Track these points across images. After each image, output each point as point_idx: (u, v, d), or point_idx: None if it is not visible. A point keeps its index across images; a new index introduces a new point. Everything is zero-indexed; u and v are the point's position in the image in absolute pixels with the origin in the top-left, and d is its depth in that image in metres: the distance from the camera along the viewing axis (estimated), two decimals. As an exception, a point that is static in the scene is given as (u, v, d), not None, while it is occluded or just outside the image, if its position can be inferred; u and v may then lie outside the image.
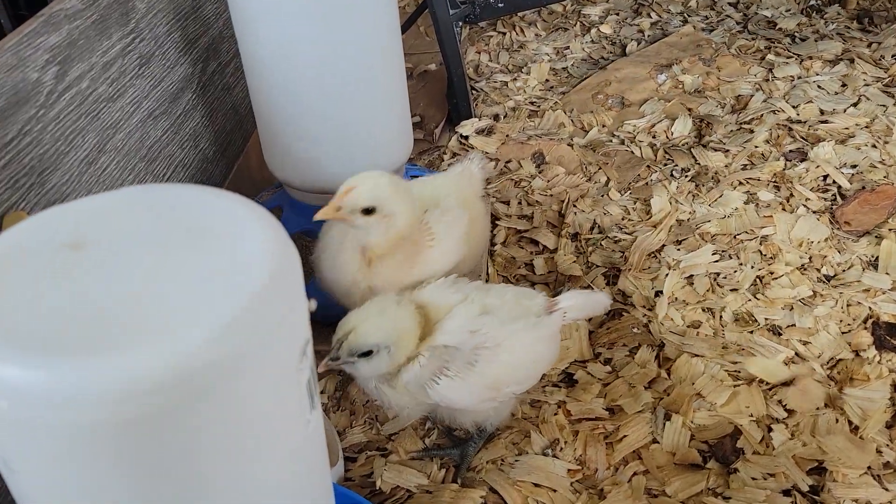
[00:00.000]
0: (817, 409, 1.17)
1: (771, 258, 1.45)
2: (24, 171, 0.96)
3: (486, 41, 2.37)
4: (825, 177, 1.63)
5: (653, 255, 1.50)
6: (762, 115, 1.84)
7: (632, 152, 1.80)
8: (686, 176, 1.70)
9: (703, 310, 1.37)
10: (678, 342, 1.30)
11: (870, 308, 1.32)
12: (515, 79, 2.14)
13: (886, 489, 1.06)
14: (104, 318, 0.51)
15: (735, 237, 1.51)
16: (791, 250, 1.46)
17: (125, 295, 0.53)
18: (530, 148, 1.83)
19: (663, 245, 1.52)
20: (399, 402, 1.02)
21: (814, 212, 1.54)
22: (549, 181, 1.73)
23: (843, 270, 1.41)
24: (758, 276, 1.41)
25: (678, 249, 1.50)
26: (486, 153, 1.85)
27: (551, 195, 1.69)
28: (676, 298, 1.40)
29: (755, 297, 1.37)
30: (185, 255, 0.56)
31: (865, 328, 1.29)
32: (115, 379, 0.48)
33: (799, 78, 1.98)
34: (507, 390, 1.04)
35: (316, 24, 1.16)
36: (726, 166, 1.71)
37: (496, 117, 1.98)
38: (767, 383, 1.22)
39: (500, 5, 1.94)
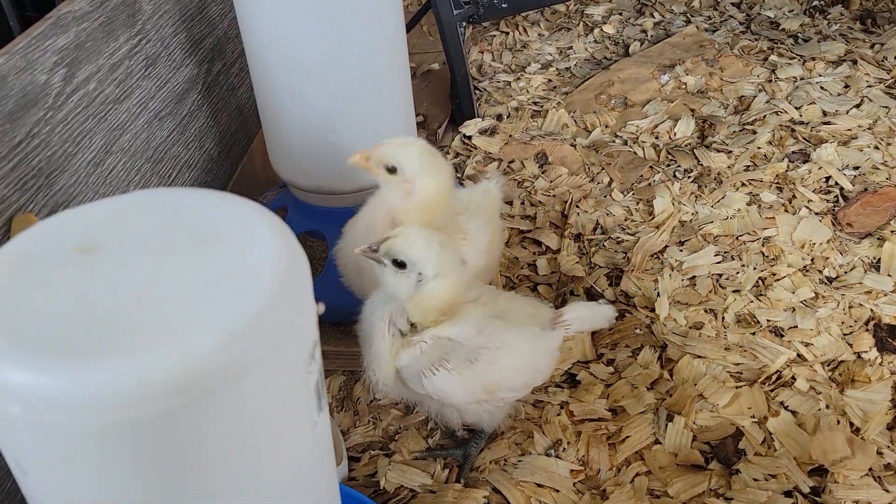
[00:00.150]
0: (818, 410, 1.18)
1: (773, 260, 1.46)
2: (32, 173, 0.97)
3: (490, 41, 2.37)
4: (827, 178, 1.63)
5: (655, 255, 1.51)
6: (765, 117, 1.84)
7: (634, 153, 1.81)
8: (689, 177, 1.71)
9: (706, 311, 1.37)
10: (681, 343, 1.31)
11: (871, 310, 1.33)
12: (518, 79, 2.15)
13: (887, 490, 1.06)
14: (115, 322, 0.52)
15: (737, 238, 1.52)
16: (793, 252, 1.46)
17: (136, 299, 0.53)
18: (533, 148, 1.83)
19: (666, 246, 1.52)
20: (385, 363, 1.02)
21: (816, 213, 1.54)
22: (551, 181, 1.73)
23: (845, 272, 1.42)
24: (760, 278, 1.42)
25: (681, 250, 1.51)
26: (489, 153, 1.85)
27: (554, 196, 1.69)
28: (679, 300, 1.40)
29: (757, 299, 1.38)
30: (195, 259, 0.57)
31: (867, 330, 1.29)
32: (125, 382, 0.49)
33: (802, 79, 1.99)
34: (500, 394, 1.05)
35: (322, 22, 1.16)
36: (729, 167, 1.71)
37: (499, 117, 1.98)
38: (770, 384, 1.23)
39: (503, 5, 1.95)
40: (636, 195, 1.68)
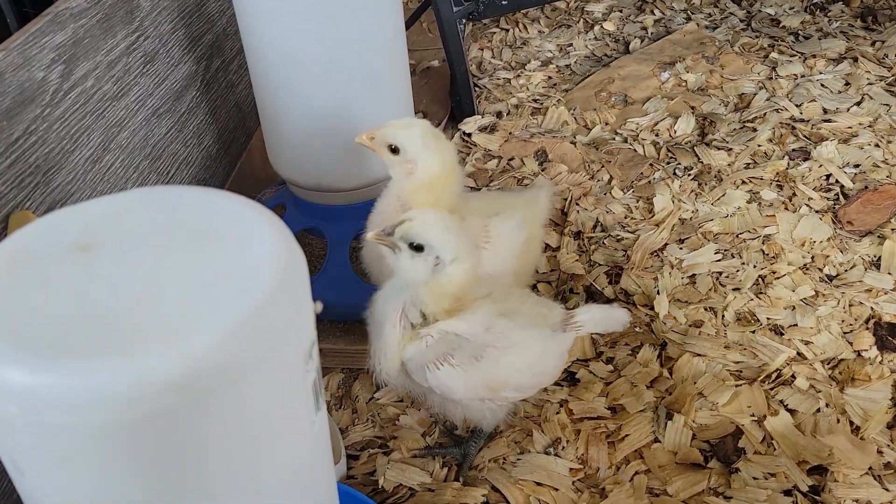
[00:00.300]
0: (818, 409, 1.18)
1: (773, 258, 1.45)
2: (29, 171, 0.96)
3: (490, 38, 2.37)
4: (828, 176, 1.63)
5: (655, 253, 1.51)
6: (765, 114, 1.84)
7: (635, 150, 1.80)
8: (689, 174, 1.70)
9: (706, 309, 1.37)
10: (680, 341, 1.31)
11: (872, 308, 1.32)
12: (518, 76, 2.14)
13: (887, 489, 1.06)
14: (113, 322, 0.51)
15: (737, 236, 1.51)
16: (793, 250, 1.46)
17: (133, 297, 0.53)
18: (533, 145, 1.83)
19: (666, 244, 1.52)
20: (392, 354, 1.01)
21: (816, 211, 1.54)
22: (551, 179, 1.73)
23: (846, 270, 1.41)
24: (760, 276, 1.42)
25: (680, 248, 1.50)
26: (489, 150, 1.85)
27: (554, 193, 1.69)
28: (678, 298, 1.40)
29: (757, 297, 1.37)
30: (193, 257, 0.57)
31: (867, 328, 1.29)
32: (125, 382, 0.48)
33: (802, 76, 1.98)
34: (504, 393, 1.04)
35: (322, 21, 1.16)
36: (729, 165, 1.71)
37: (499, 114, 1.98)
38: (769, 383, 1.23)
39: (503, 2, 1.94)
40: (636, 193, 1.68)
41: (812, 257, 1.45)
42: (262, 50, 1.20)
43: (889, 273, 1.39)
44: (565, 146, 1.81)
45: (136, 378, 0.49)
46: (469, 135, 1.90)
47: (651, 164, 1.75)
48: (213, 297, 0.53)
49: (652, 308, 1.38)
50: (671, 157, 1.77)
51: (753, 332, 1.31)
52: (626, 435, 1.18)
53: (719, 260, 1.47)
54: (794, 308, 1.34)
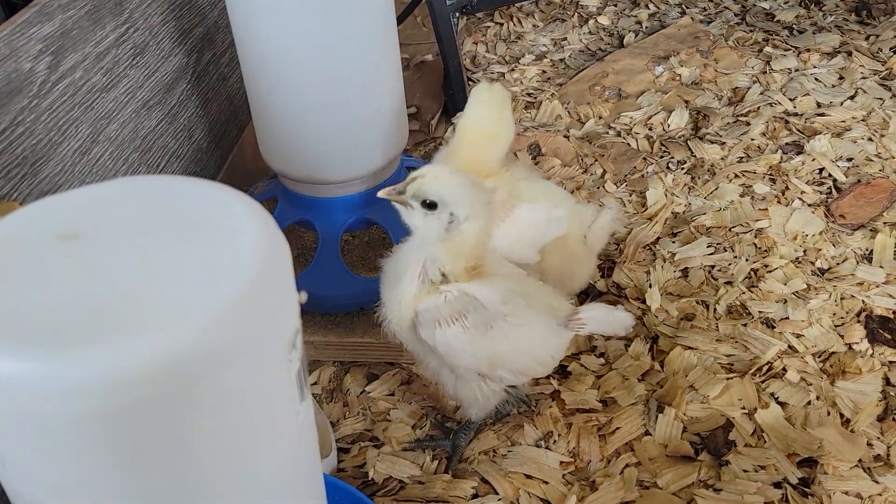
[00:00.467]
0: (809, 402, 1.18)
1: (765, 251, 1.45)
2: (16, 162, 0.96)
3: (484, 32, 2.36)
4: (821, 170, 1.63)
5: (648, 247, 1.50)
6: (759, 108, 1.84)
7: (628, 144, 1.80)
8: (682, 168, 1.70)
9: (698, 302, 1.37)
10: (672, 334, 1.31)
11: (863, 301, 1.32)
12: (512, 70, 2.14)
13: (877, 482, 1.06)
14: (94, 310, 0.51)
15: (730, 230, 1.51)
16: (786, 243, 1.46)
17: (115, 286, 0.53)
18: (526, 139, 1.82)
19: (658, 237, 1.52)
20: (406, 305, 1.00)
21: (809, 205, 1.54)
22: (545, 173, 1.73)
23: (838, 264, 1.41)
24: (752, 269, 1.42)
25: (673, 242, 1.50)
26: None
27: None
28: (670, 291, 1.40)
29: (749, 290, 1.37)
30: (176, 246, 0.56)
31: (859, 321, 1.29)
32: (103, 370, 0.48)
33: (796, 70, 1.98)
34: (500, 372, 1.03)
35: (315, 15, 1.15)
36: (722, 159, 1.71)
37: (493, 108, 1.97)
38: (760, 376, 1.23)
39: (497, -4, 1.93)
40: (629, 186, 1.67)
41: (804, 251, 1.45)
42: (254, 44, 1.19)
43: (881, 266, 1.39)
44: (559, 140, 1.81)
45: (115, 366, 0.48)
46: (462, 129, 1.89)
47: (644, 158, 1.74)
48: (195, 286, 0.53)
49: (644, 301, 1.38)
50: (664, 151, 1.76)
51: (745, 325, 1.31)
52: (618, 428, 1.17)
53: (712, 253, 1.46)
54: (785, 301, 1.34)
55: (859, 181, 1.57)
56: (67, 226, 0.58)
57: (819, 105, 1.83)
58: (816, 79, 1.93)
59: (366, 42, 1.22)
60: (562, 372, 1.28)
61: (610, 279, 1.44)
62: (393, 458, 1.16)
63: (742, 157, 1.70)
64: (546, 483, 1.11)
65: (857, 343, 1.26)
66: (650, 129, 1.85)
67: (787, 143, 1.72)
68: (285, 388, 0.61)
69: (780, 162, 1.66)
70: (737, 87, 1.95)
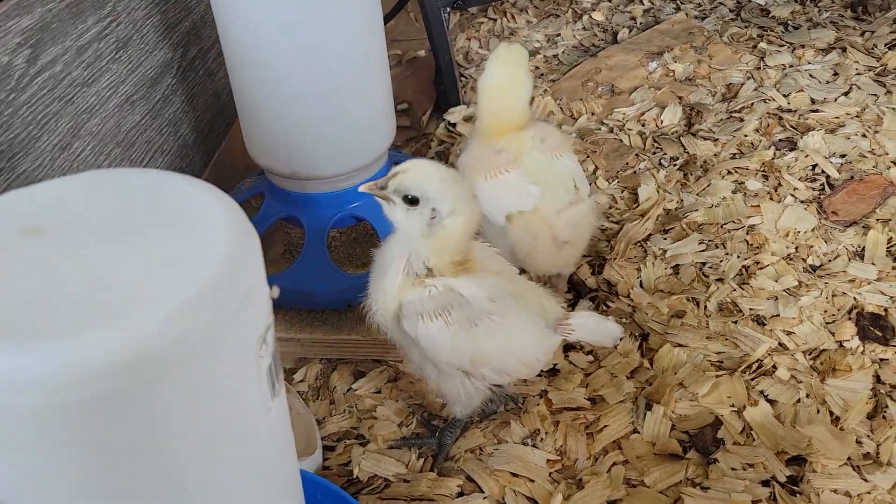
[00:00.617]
0: (798, 400, 1.17)
1: (757, 248, 1.44)
2: (-7, 156, 0.95)
3: (477, 28, 2.35)
4: (814, 166, 1.61)
5: (639, 244, 1.49)
6: (752, 104, 1.82)
7: (620, 140, 1.79)
8: (674, 165, 1.69)
9: (688, 299, 1.36)
10: (662, 332, 1.29)
11: (855, 298, 1.31)
12: (505, 66, 2.12)
13: (866, 480, 1.05)
14: (56, 303, 0.50)
15: (722, 227, 1.50)
16: (777, 240, 1.45)
17: (79, 279, 0.52)
18: (518, 136, 1.81)
19: (650, 234, 1.50)
20: (391, 297, 0.99)
21: (801, 201, 1.52)
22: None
23: (829, 260, 1.40)
24: (744, 266, 1.40)
25: (664, 238, 1.49)
26: (474, 141, 1.83)
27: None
28: (661, 288, 1.39)
29: (740, 287, 1.36)
30: (142, 239, 0.56)
31: (850, 318, 1.28)
32: (65, 362, 0.47)
33: (791, 66, 1.97)
34: (483, 370, 1.02)
35: (302, 9, 1.14)
36: (715, 155, 1.69)
37: (485, 105, 1.96)
38: (750, 373, 1.21)
39: (488, -9, 1.92)
40: (621, 183, 1.66)
41: (796, 247, 1.43)
42: (237, 35, 1.18)
43: (873, 263, 1.37)
44: (550, 136, 1.79)
45: (77, 359, 0.48)
46: (454, 125, 1.88)
47: (637, 155, 1.73)
48: (159, 279, 0.52)
49: (634, 298, 1.37)
50: (657, 148, 1.75)
51: (735, 322, 1.30)
52: (605, 426, 1.16)
53: (703, 250, 1.45)
54: (776, 298, 1.33)
55: (852, 178, 1.56)
56: (32, 219, 0.57)
57: (813, 101, 1.82)
58: (811, 75, 1.92)
59: (350, 34, 1.20)
60: (550, 370, 1.27)
61: (601, 276, 1.43)
62: (378, 456, 1.15)
63: (735, 154, 1.68)
64: (532, 481, 1.09)
65: (848, 340, 1.24)
66: (643, 126, 1.84)
67: (780, 140, 1.70)
68: (255, 384, 0.60)
69: (773, 158, 1.64)
70: (730, 83, 1.94)
